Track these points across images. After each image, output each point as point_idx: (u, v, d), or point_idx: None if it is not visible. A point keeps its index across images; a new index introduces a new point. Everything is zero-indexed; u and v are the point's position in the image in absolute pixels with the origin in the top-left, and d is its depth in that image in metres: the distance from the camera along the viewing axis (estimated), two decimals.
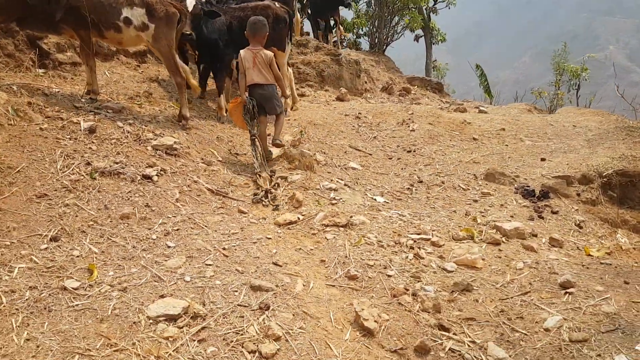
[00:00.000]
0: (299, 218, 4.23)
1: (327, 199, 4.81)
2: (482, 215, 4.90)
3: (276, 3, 6.85)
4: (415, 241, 4.10)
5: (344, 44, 15.50)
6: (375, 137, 6.80)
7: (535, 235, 4.52)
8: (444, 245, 4.09)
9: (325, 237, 3.96)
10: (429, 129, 7.04)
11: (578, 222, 4.98)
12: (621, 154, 5.86)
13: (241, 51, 5.37)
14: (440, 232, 4.45)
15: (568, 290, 3.27)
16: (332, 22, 14.41)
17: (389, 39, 16.26)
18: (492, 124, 7.66)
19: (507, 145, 6.83)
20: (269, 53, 5.44)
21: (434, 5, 29.18)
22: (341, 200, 4.85)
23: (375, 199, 5.11)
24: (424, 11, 27.36)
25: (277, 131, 5.55)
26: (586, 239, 4.77)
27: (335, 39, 13.65)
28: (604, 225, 5.15)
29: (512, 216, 4.90)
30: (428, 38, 28.06)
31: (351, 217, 4.33)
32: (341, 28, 14.14)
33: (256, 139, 5.37)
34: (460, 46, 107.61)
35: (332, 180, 5.26)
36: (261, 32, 5.39)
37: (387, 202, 5.11)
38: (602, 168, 5.64)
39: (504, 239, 4.32)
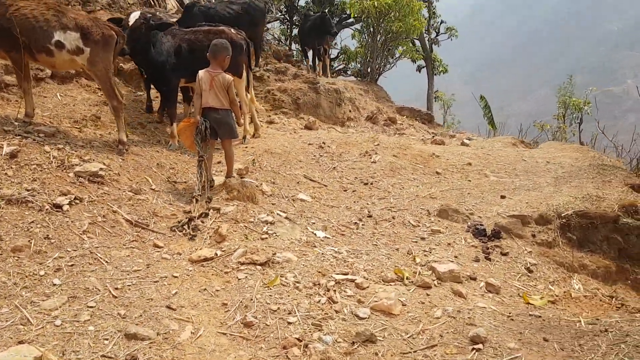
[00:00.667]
0: (216, 254, 3.98)
1: (259, 233, 4.56)
2: (425, 255, 4.64)
3: (232, 29, 6.73)
4: (337, 282, 3.83)
5: (333, 72, 15.39)
6: (334, 167, 6.57)
7: (474, 279, 4.23)
8: (368, 287, 3.82)
9: (237, 277, 3.70)
10: (392, 162, 6.80)
11: (529, 265, 4.69)
12: (586, 194, 5.58)
13: (200, 72, 5.23)
14: (372, 272, 4.18)
15: (476, 347, 2.97)
16: (321, 50, 14.38)
17: (381, 68, 16.15)
18: (462, 158, 7.41)
19: (470, 180, 6.57)
20: (228, 77, 5.30)
21: (435, 36, 29.28)
22: (275, 234, 4.60)
23: (315, 234, 4.86)
24: (426, 42, 27.48)
25: (229, 167, 5.43)
26: (534, 284, 4.47)
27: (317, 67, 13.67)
28: (559, 270, 4.85)
29: (456, 256, 4.63)
30: (430, 69, 28.09)
31: (274, 254, 4.08)
32: (327, 57, 14.08)
33: (203, 162, 5.15)
34: (480, 78, 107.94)
35: (272, 212, 5.02)
36: (221, 54, 5.26)
37: (328, 238, 4.85)
38: (562, 208, 5.36)
39: (436, 282, 4.04)
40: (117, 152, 5.18)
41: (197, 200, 4.79)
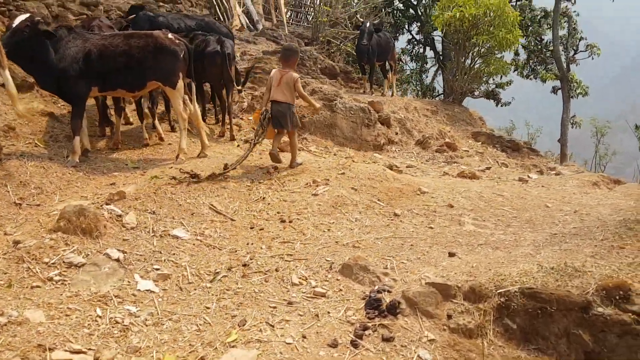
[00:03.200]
0: None
1: (40, 278, 3.56)
2: (259, 330, 3.27)
3: (170, 34, 5.86)
4: None
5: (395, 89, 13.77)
6: (263, 198, 5.32)
7: None
8: None
9: None
10: (342, 196, 5.34)
11: None
12: (561, 263, 3.66)
13: (272, 70, 6.15)
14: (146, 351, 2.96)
15: None
16: (387, 67, 13.04)
17: (464, 88, 14.15)
18: (452, 196, 5.66)
19: (431, 227, 4.87)
20: (295, 75, 5.92)
21: (573, 55, 25.85)
22: (64, 282, 3.57)
23: (137, 284, 3.74)
24: (562, 61, 24.40)
25: (293, 155, 6.09)
26: None
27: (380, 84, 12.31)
28: None
29: (305, 337, 3.23)
30: (565, 91, 24.90)
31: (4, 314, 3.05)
32: (394, 74, 12.68)
33: (252, 145, 5.93)
34: None
35: (99, 251, 3.97)
36: (291, 58, 6.02)
37: (152, 292, 3.70)
38: (509, 280, 3.54)
39: None
40: None
41: (225, 166, 5.54)
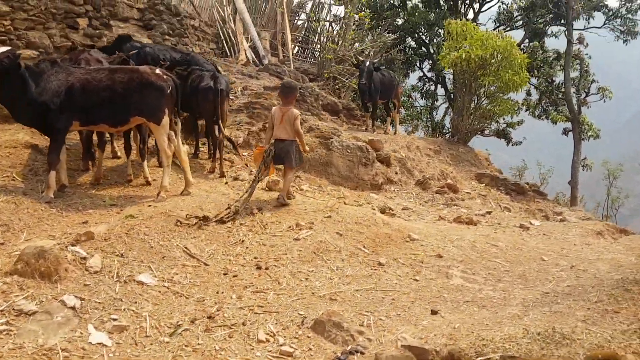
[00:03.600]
0: None
1: None
2: None
3: (157, 70, 5.74)
4: None
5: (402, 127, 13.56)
6: (242, 241, 5.07)
7: None
8: None
9: None
10: (325, 241, 5.08)
11: None
12: (549, 329, 3.33)
13: (273, 108, 6.15)
14: None
15: None
16: (390, 105, 12.90)
17: (469, 128, 13.92)
18: (443, 244, 5.37)
19: (416, 279, 4.58)
20: (295, 112, 5.91)
21: (584, 97, 25.67)
22: (17, 332, 3.31)
23: (90, 335, 3.47)
24: (574, 104, 24.23)
25: (285, 187, 6.01)
26: None
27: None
28: None
29: None
30: (577, 133, 24.69)
31: None
32: (397, 112, 12.51)
33: (255, 183, 5.86)
34: None
35: (54, 298, 3.72)
36: (290, 94, 6.00)
37: (104, 345, 3.42)
38: (491, 346, 3.22)
39: None
40: None
41: (230, 208, 5.47)
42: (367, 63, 10.75)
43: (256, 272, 4.56)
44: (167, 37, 12.61)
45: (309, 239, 5.07)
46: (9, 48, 5.06)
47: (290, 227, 5.32)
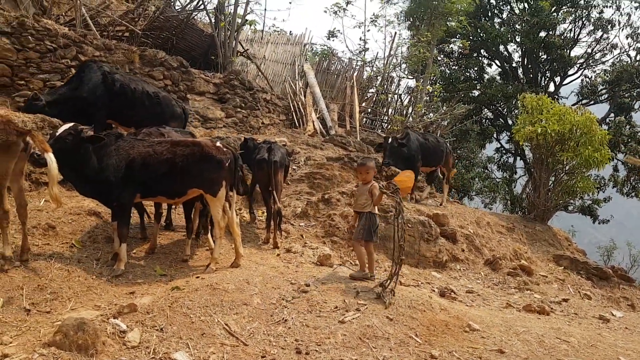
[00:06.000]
0: None
1: None
2: None
3: (217, 142, 5.82)
4: None
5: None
6: (286, 320, 4.81)
7: None
8: None
9: None
10: (374, 326, 4.72)
11: None
12: None
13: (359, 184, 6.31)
14: None
15: None
16: (439, 174, 12.24)
17: (546, 205, 13.11)
18: (506, 337, 4.83)
19: None
20: (374, 184, 5.89)
21: None
22: None
23: None
24: None
25: (371, 266, 6.06)
26: None
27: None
28: None
29: None
30: None
31: None
32: (446, 182, 11.96)
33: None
34: None
35: None
36: (362, 168, 6.02)
37: None
38: None
39: None
40: None
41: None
42: (390, 139, 10.25)
43: (295, 357, 4.26)
44: (239, 109, 13.13)
45: (355, 323, 4.74)
46: (72, 124, 5.28)
47: (336, 306, 5.02)
